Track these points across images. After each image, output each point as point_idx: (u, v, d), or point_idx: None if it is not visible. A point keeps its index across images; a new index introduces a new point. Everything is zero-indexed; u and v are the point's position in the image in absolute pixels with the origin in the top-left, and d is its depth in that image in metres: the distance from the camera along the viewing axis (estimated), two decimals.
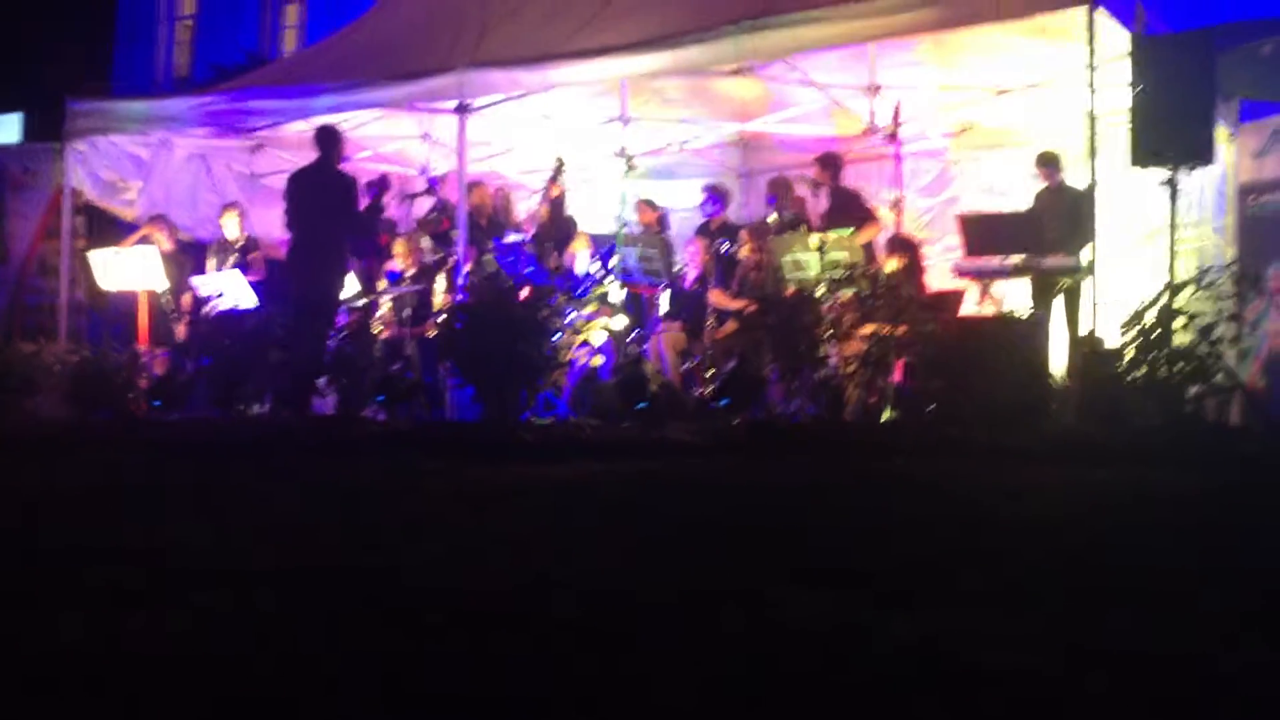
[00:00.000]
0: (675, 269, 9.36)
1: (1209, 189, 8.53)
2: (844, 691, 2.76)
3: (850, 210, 8.64)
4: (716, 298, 8.94)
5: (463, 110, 8.87)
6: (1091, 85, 6.94)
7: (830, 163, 9.25)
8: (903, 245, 8.18)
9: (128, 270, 9.72)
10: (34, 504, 5.06)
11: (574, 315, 7.78)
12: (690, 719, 2.63)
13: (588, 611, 3.49)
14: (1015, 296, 8.27)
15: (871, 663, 2.96)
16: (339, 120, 9.15)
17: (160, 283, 9.73)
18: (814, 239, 7.77)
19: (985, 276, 8.03)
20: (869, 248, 8.13)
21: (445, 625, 3.38)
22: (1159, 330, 5.81)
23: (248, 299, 9.17)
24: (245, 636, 3.34)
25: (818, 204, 8.65)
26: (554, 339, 7.48)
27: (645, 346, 8.93)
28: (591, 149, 10.50)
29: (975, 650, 2.96)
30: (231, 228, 10.38)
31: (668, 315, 9.36)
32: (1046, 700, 2.61)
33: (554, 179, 9.86)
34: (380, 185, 9.23)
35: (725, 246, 9.30)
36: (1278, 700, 2.53)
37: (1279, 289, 8.01)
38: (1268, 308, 7.92)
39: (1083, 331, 7.71)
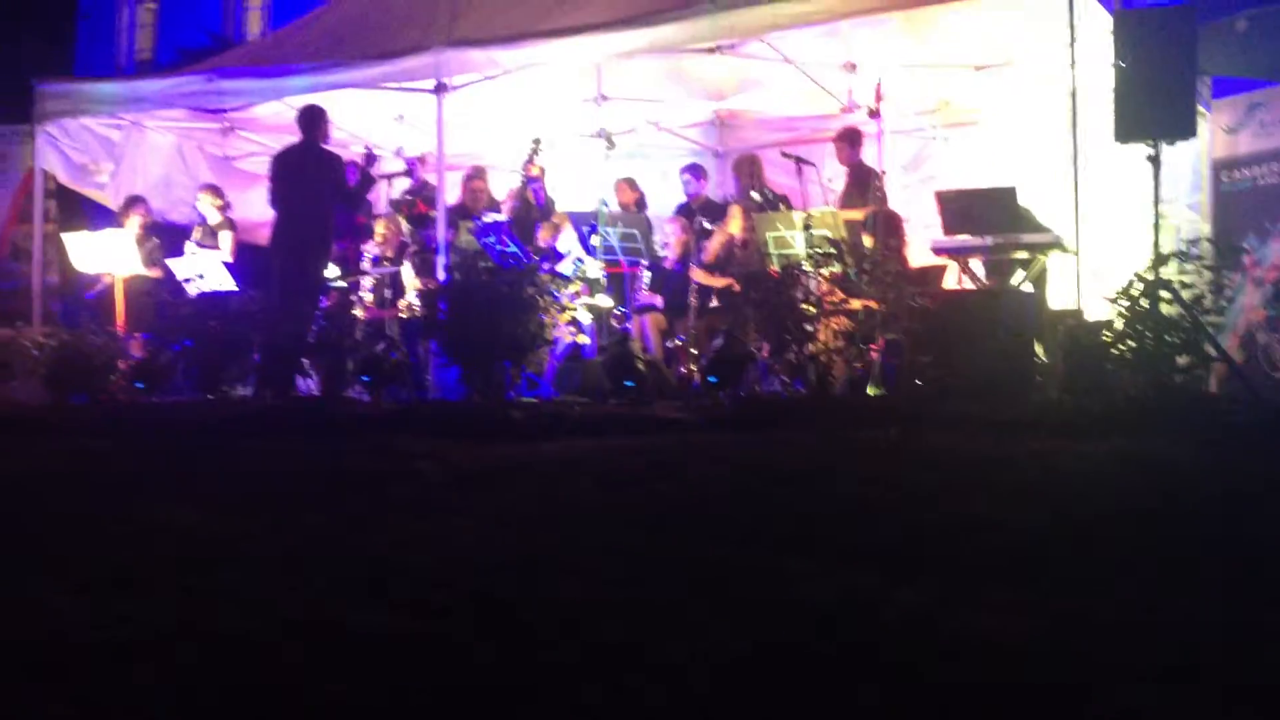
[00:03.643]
0: (656, 248, 9.38)
1: (1183, 167, 8.63)
2: (851, 658, 2.81)
3: (867, 187, 8.63)
4: (700, 275, 8.96)
5: (440, 90, 8.83)
6: (1072, 62, 7.00)
7: (850, 138, 9.18)
8: (887, 221, 8.21)
9: (103, 253, 9.63)
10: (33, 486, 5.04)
11: (559, 294, 7.76)
12: (706, 692, 2.67)
13: (599, 590, 3.52)
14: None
15: (877, 631, 3.01)
16: (315, 100, 9.08)
17: (135, 265, 9.67)
18: (798, 216, 7.80)
19: (963, 253, 8.07)
20: (860, 225, 8.15)
21: (454, 607, 3.39)
22: (1147, 302, 5.88)
23: (226, 281, 9.12)
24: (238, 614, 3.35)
25: (804, 180, 8.66)
26: (540, 318, 7.47)
27: (628, 325, 8.94)
28: (569, 129, 10.49)
29: (973, 619, 3.02)
30: (210, 211, 10.29)
31: (649, 294, 9.38)
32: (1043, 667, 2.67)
33: (531, 159, 9.83)
34: (367, 159, 9.19)
35: (706, 225, 9.33)
36: None
37: (1252, 264, 8.12)
38: (1243, 282, 8.04)
39: (1056, 305, 7.79)
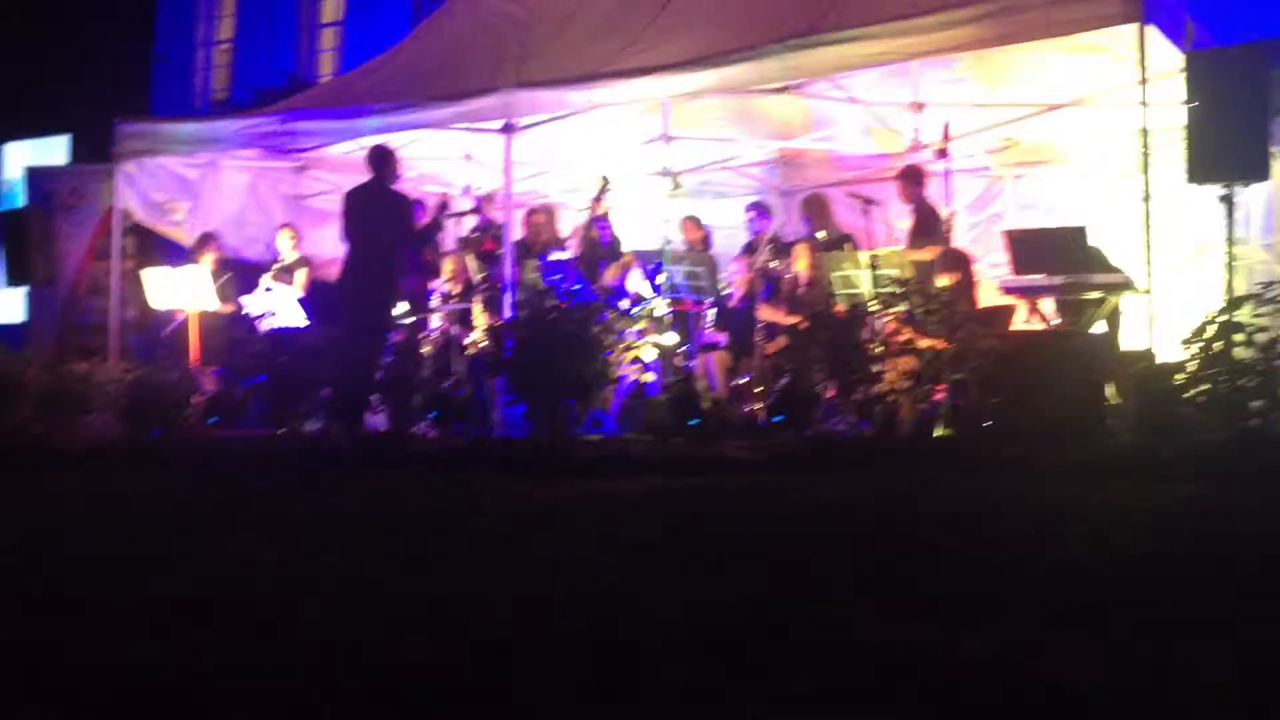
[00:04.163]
0: (721, 287, 9.39)
1: (1256, 207, 8.49)
2: (920, 702, 2.79)
3: (931, 226, 8.61)
4: (766, 313, 8.96)
5: (508, 130, 8.93)
6: (1144, 102, 6.95)
7: (914, 176, 9.10)
8: (955, 261, 8.16)
9: (179, 289, 9.84)
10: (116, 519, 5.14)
11: (624, 332, 7.79)
12: None
13: (661, 630, 3.52)
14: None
15: (945, 676, 2.99)
16: (386, 140, 9.23)
17: (210, 301, 9.86)
18: (865, 256, 7.79)
19: (1033, 293, 8.01)
20: (928, 265, 8.11)
21: (514, 647, 3.41)
22: (1221, 345, 5.80)
23: (298, 317, 9.26)
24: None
25: (870, 220, 8.65)
26: (605, 355, 7.51)
27: (693, 363, 8.95)
28: (634, 167, 10.56)
29: (1041, 671, 2.98)
30: (288, 249, 10.48)
31: (714, 332, 9.40)
32: None
33: (598, 198, 9.90)
34: (441, 206, 9.35)
35: (772, 263, 9.34)
36: None
37: None
38: None
39: (1127, 347, 7.70)
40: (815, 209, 9.43)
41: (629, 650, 3.31)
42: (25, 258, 10.98)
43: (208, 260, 10.29)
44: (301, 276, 10.36)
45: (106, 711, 2.84)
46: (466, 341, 9.59)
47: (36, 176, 12.02)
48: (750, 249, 9.91)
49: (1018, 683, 2.89)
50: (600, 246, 9.99)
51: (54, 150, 16.32)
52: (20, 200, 12.80)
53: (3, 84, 20.60)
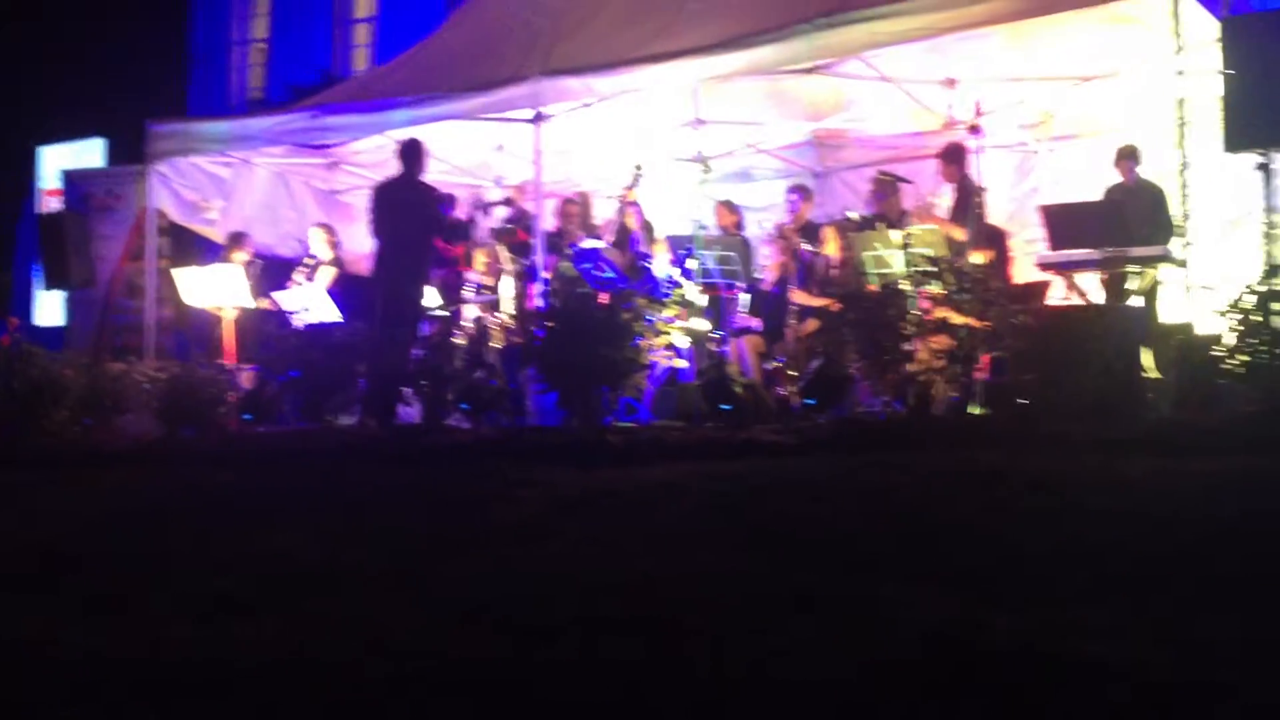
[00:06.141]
0: (753, 271, 9.32)
1: None
2: (949, 687, 2.74)
3: (969, 204, 8.43)
4: (800, 296, 8.90)
5: (538, 119, 8.90)
6: (1179, 72, 6.83)
7: (955, 155, 8.89)
8: (988, 237, 8.04)
9: (213, 287, 9.89)
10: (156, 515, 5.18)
11: (656, 318, 7.74)
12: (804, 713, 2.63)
13: (695, 613, 3.49)
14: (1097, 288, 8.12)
15: (977, 659, 2.94)
16: (415, 133, 9.23)
17: (245, 299, 9.91)
18: (896, 234, 7.70)
19: (1070, 269, 7.90)
20: (962, 242, 7.98)
21: (555, 631, 3.39)
22: (1259, 315, 5.68)
23: (331, 312, 9.28)
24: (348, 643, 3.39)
25: (903, 199, 8.52)
26: (636, 342, 7.46)
27: (725, 348, 8.90)
28: (666, 152, 10.50)
29: (1080, 648, 2.93)
30: (321, 247, 10.51)
31: (747, 316, 9.34)
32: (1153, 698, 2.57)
33: (631, 185, 9.84)
34: (476, 207, 9.38)
35: (806, 246, 9.25)
36: None
37: None
38: None
39: (1166, 320, 7.59)
40: (888, 188, 9.24)
41: (668, 632, 3.29)
42: (63, 261, 11.08)
43: (239, 258, 10.35)
44: (327, 275, 10.37)
45: (147, 707, 2.85)
46: (494, 328, 9.56)
47: (73, 179, 12.13)
48: (784, 232, 9.81)
49: (1053, 660, 2.85)
50: (631, 234, 9.94)
51: (91, 153, 16.48)
52: (57, 204, 12.93)
53: (39, 87, 20.84)
